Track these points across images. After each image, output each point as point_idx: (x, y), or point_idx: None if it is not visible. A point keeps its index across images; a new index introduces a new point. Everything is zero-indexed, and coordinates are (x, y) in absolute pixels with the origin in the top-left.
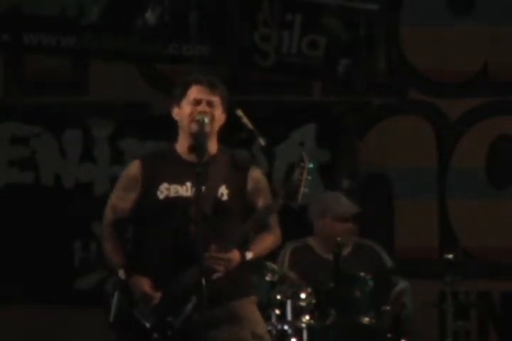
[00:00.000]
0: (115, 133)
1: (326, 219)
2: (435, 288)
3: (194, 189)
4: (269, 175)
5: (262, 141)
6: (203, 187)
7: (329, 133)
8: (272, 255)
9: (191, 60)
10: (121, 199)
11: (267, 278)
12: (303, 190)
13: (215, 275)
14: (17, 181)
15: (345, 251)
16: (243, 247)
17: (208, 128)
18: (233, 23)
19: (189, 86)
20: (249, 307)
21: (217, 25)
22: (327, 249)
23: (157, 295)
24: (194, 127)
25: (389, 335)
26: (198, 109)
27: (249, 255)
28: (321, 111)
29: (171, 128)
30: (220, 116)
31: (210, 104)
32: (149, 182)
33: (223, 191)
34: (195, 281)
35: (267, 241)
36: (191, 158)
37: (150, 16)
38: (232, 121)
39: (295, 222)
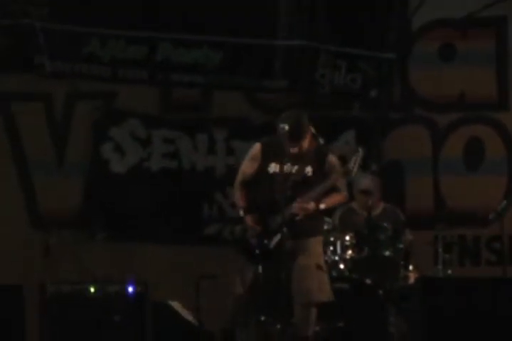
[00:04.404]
0: (229, 137)
1: (354, 190)
2: (431, 233)
3: (294, 168)
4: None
5: (321, 140)
6: (297, 167)
7: (363, 135)
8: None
9: (276, 90)
10: (247, 168)
11: (326, 227)
12: (356, 169)
13: (297, 218)
14: (168, 166)
15: (377, 212)
16: (319, 201)
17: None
18: (302, 66)
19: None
20: (316, 244)
21: (292, 67)
22: (362, 209)
23: (259, 227)
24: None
25: (402, 262)
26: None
27: (322, 206)
28: (359, 121)
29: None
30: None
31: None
32: (264, 161)
33: (309, 170)
34: (284, 220)
35: (336, 197)
36: (291, 149)
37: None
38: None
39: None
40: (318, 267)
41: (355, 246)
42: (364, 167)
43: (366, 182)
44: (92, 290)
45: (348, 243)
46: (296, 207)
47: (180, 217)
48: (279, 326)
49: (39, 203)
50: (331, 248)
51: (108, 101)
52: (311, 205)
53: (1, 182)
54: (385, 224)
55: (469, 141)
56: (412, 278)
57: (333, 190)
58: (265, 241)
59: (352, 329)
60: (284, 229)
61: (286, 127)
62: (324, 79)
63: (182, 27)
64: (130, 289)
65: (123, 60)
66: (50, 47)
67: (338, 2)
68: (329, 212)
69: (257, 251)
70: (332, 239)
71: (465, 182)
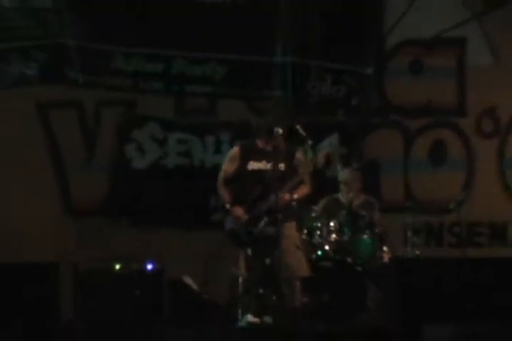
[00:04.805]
0: (232, 138)
1: (339, 182)
2: (401, 219)
3: (269, 165)
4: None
5: (309, 142)
6: (271, 164)
7: (346, 137)
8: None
9: (273, 99)
10: (228, 168)
11: (313, 215)
12: (323, 161)
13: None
14: (181, 164)
15: (357, 202)
16: (292, 192)
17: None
18: (295, 79)
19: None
20: (291, 228)
21: (287, 80)
22: (345, 200)
23: (245, 216)
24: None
25: (377, 245)
26: None
27: (295, 196)
28: (342, 125)
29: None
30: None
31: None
32: (243, 160)
33: (281, 165)
34: (265, 210)
35: (303, 189)
36: (267, 149)
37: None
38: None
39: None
40: (296, 247)
41: (338, 230)
42: (347, 164)
43: (347, 175)
44: (117, 267)
45: (332, 228)
46: (275, 198)
47: (191, 206)
48: (274, 297)
49: (72, 194)
50: (318, 232)
51: (131, 109)
52: (287, 196)
53: (41, 177)
54: (364, 213)
55: (434, 143)
56: (386, 257)
57: (301, 182)
58: (250, 229)
59: (335, 301)
60: (265, 218)
61: (281, 131)
62: (314, 90)
63: (193, 46)
64: (149, 267)
65: (144, 74)
66: (82, 62)
67: (325, 26)
68: (315, 201)
69: (244, 238)
70: (319, 224)
71: (430, 178)
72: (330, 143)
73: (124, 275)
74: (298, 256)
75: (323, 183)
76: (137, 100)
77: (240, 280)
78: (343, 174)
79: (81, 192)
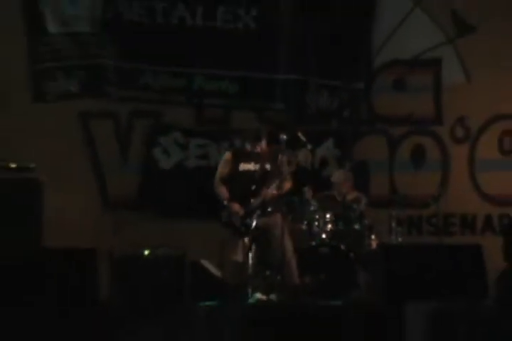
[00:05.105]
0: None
1: (332, 181)
2: (387, 212)
3: (257, 166)
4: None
5: (309, 146)
6: (259, 165)
7: (340, 142)
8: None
9: (277, 110)
10: (223, 169)
11: (312, 208)
12: (307, 161)
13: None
14: (200, 165)
15: (350, 198)
16: (279, 188)
17: None
18: (296, 93)
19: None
20: (281, 219)
21: (289, 94)
22: (338, 195)
23: (241, 211)
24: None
25: (366, 233)
26: None
27: (281, 192)
28: (336, 133)
29: None
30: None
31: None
32: (235, 163)
33: (267, 166)
34: (258, 204)
35: (287, 185)
36: (255, 151)
37: None
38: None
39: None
40: (285, 233)
41: (334, 222)
42: (340, 165)
43: (337, 176)
44: (146, 253)
45: (328, 219)
46: (265, 193)
47: (208, 200)
48: (279, 277)
49: (109, 190)
50: (316, 223)
51: (158, 119)
52: (273, 191)
53: (84, 177)
54: (355, 206)
55: (415, 147)
56: (374, 244)
57: (284, 179)
58: (247, 221)
59: (331, 281)
60: (258, 211)
61: (285, 137)
62: (312, 103)
63: (211, 65)
64: (172, 252)
65: (169, 89)
66: (117, 79)
67: (322, 48)
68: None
69: (242, 229)
70: (317, 216)
71: (411, 177)
72: (326, 148)
73: (151, 260)
74: (286, 241)
75: (320, 182)
76: (163, 111)
77: (250, 263)
78: (335, 175)
79: (116, 188)
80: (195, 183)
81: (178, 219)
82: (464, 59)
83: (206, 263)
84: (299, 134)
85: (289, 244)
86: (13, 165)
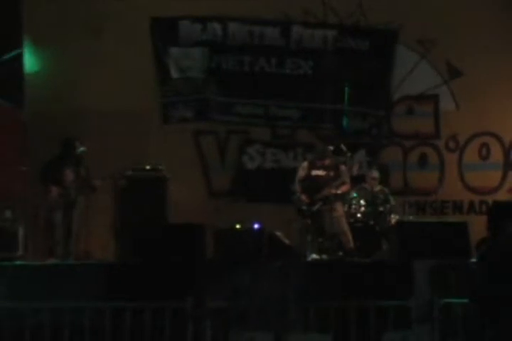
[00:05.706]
0: (304, 152)
1: (367, 177)
2: (402, 198)
3: (324, 172)
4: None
5: (348, 154)
6: (325, 172)
7: (369, 151)
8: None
9: (329, 130)
10: (301, 173)
11: (351, 196)
12: (354, 169)
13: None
14: (273, 167)
15: (376, 189)
16: (337, 187)
17: None
18: (340, 118)
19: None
20: (339, 206)
21: (335, 118)
22: (370, 187)
23: (308, 200)
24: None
25: (388, 213)
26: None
27: (339, 191)
28: (367, 145)
29: None
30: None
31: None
32: (310, 169)
33: (331, 173)
34: (320, 198)
35: (345, 187)
36: (322, 162)
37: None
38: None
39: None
40: (342, 216)
41: (365, 205)
42: (370, 167)
43: (373, 173)
44: (238, 227)
45: (362, 204)
46: (328, 191)
47: (280, 191)
48: (334, 243)
49: (212, 183)
50: (353, 206)
51: (245, 135)
52: (333, 190)
53: (195, 175)
54: (381, 196)
55: (421, 155)
56: (393, 221)
57: (343, 182)
58: (311, 207)
59: (363, 246)
60: (320, 202)
61: (331, 148)
62: (351, 124)
63: (281, 98)
64: (256, 226)
65: (253, 115)
66: (218, 108)
67: (357, 87)
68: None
69: (306, 212)
70: (354, 202)
71: (419, 175)
72: (360, 155)
73: (241, 232)
74: (343, 221)
75: (356, 178)
76: (249, 130)
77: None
78: (371, 172)
79: (217, 182)
80: (270, 179)
81: (260, 204)
82: (454, 94)
83: (279, 234)
84: (342, 146)
85: (344, 222)
86: (148, 167)
